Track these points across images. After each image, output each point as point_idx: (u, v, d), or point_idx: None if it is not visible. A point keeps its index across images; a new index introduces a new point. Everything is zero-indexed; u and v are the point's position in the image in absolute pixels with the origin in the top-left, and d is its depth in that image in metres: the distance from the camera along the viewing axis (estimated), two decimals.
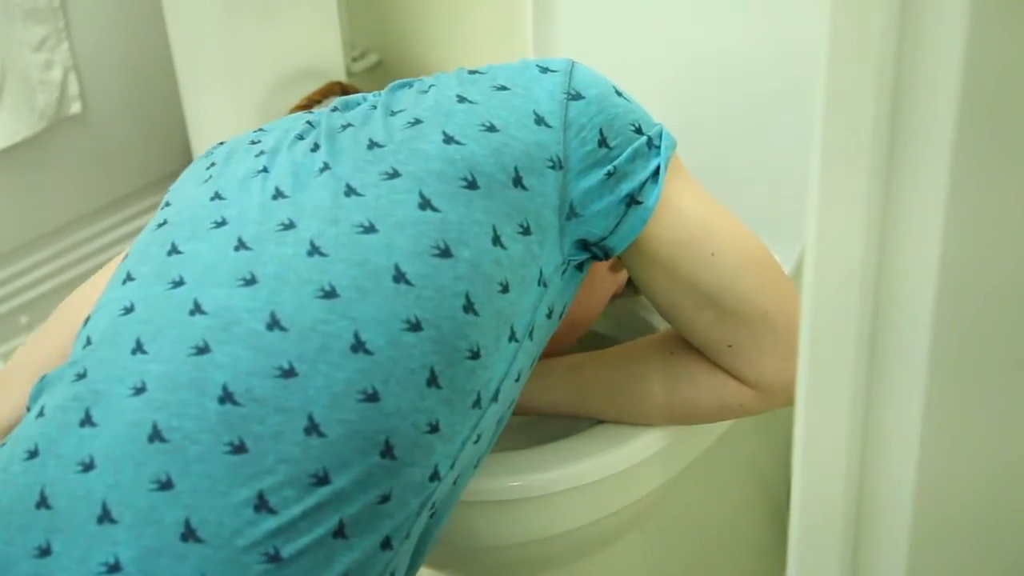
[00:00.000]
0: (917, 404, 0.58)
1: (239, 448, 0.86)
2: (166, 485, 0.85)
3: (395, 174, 0.97)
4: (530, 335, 1.00)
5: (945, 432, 0.59)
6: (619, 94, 1.04)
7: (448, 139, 0.99)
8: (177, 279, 0.95)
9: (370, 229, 0.94)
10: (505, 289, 0.96)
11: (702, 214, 1.04)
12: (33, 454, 0.89)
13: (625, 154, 1.01)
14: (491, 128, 0.99)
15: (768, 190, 1.34)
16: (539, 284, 0.99)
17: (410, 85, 1.07)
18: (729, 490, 1.41)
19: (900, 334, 0.57)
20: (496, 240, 0.96)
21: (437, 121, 1.00)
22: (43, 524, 0.86)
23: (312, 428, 0.88)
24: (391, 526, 0.90)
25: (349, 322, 0.91)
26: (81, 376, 0.92)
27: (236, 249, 0.95)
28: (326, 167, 0.99)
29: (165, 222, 1.02)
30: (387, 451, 0.89)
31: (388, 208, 0.95)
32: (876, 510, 0.61)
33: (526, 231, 0.98)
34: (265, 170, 1.01)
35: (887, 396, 0.59)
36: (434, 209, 0.95)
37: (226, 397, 0.88)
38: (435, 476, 0.93)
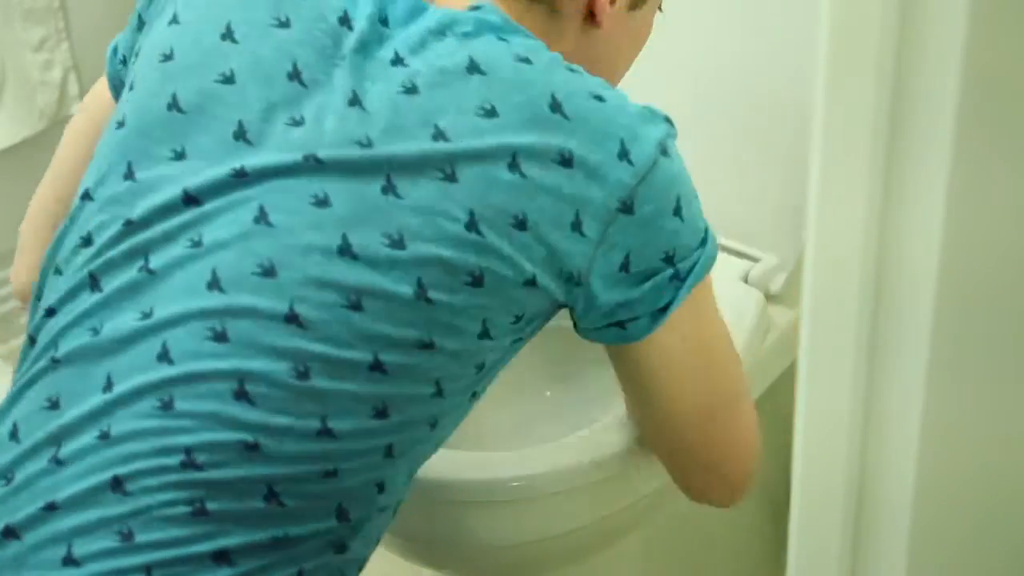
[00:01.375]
0: (918, 395, 0.58)
1: (200, 512, 0.86)
2: (127, 536, 0.86)
3: (400, 242, 0.88)
4: (479, 369, 0.95)
5: (946, 423, 0.59)
6: (677, 212, 0.91)
7: (471, 224, 0.88)
8: (147, 311, 0.90)
9: (357, 307, 0.88)
10: (480, 368, 0.93)
11: (692, 347, 0.97)
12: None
13: (643, 287, 0.92)
14: (521, 224, 0.88)
15: (767, 189, 1.34)
16: (513, 342, 0.95)
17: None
18: None
19: (901, 324, 0.57)
20: (484, 334, 0.91)
21: (469, 191, 0.88)
22: None
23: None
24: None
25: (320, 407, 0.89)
26: (53, 404, 0.91)
27: (209, 288, 0.89)
28: (325, 200, 0.89)
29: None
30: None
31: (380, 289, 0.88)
32: (877, 501, 0.61)
33: (517, 319, 0.92)
34: (244, 175, 0.91)
35: (888, 389, 0.59)
36: (428, 301, 0.88)
37: (189, 463, 0.86)
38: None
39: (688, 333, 0.96)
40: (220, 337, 0.87)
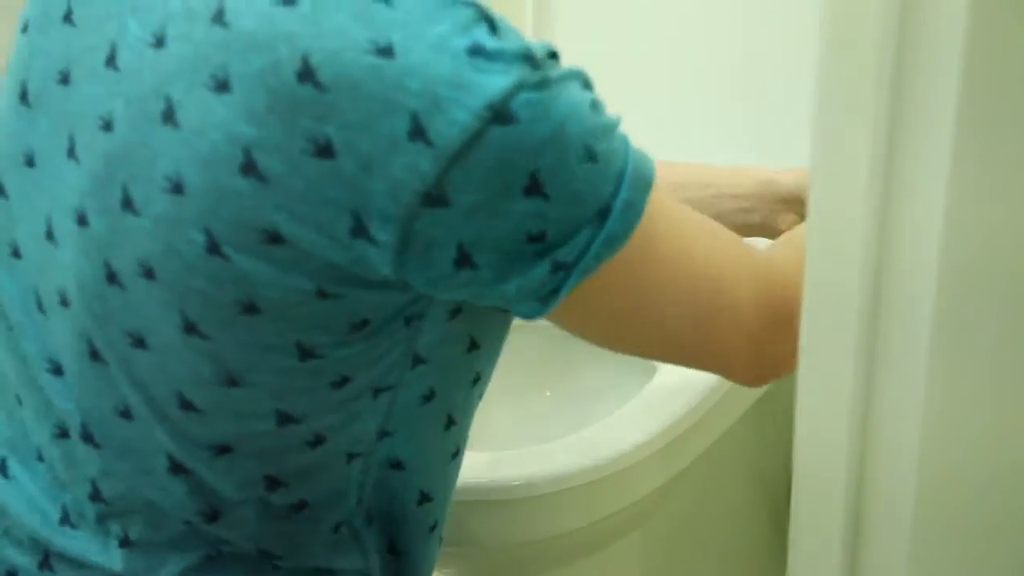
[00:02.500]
0: (919, 387, 0.57)
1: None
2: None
3: (150, 274, 0.72)
4: (417, 362, 0.78)
5: (947, 417, 0.59)
6: (534, 189, 0.67)
7: (212, 247, 0.70)
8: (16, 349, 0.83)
9: (140, 344, 0.75)
10: (343, 382, 0.76)
11: (617, 308, 0.76)
12: None
13: (505, 282, 0.71)
14: (274, 238, 0.68)
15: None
16: (405, 324, 0.76)
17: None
18: (729, 491, 1.41)
19: (902, 312, 0.57)
20: (305, 354, 0.73)
21: (199, 205, 0.69)
22: None
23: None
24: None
25: (156, 444, 0.79)
26: None
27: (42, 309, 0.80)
28: (83, 219, 0.74)
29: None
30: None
31: (151, 321, 0.74)
32: (878, 491, 0.61)
33: (359, 326, 0.73)
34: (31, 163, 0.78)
35: (889, 375, 0.58)
36: (201, 336, 0.73)
37: (94, 495, 0.81)
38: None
39: (603, 306, 0.75)
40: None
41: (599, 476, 1.12)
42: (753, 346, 0.80)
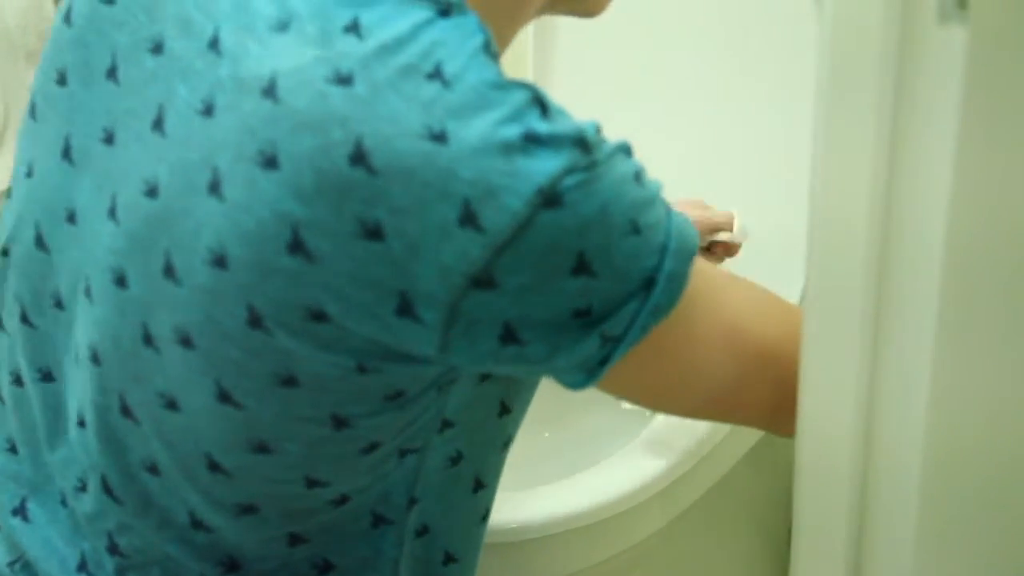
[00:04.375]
0: (924, 372, 0.57)
1: None
2: None
3: (188, 342, 0.72)
4: (446, 426, 0.79)
5: (954, 382, 0.59)
6: (582, 269, 0.67)
7: (254, 321, 0.69)
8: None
9: (172, 406, 0.75)
10: (372, 447, 0.76)
11: (658, 379, 0.77)
12: None
13: (554, 356, 0.71)
14: (319, 316, 0.68)
15: (769, 224, 1.34)
16: (437, 391, 0.76)
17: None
18: (728, 534, 1.40)
19: (906, 290, 0.57)
20: (339, 424, 0.73)
21: (242, 280, 0.69)
22: None
23: None
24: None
25: (180, 501, 0.79)
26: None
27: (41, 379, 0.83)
28: (122, 280, 0.74)
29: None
30: None
31: (185, 386, 0.74)
32: (883, 468, 0.61)
33: (393, 397, 0.73)
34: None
35: (893, 363, 0.58)
36: (235, 405, 0.72)
37: (112, 549, 0.82)
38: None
39: (646, 373, 0.75)
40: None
41: (598, 519, 1.11)
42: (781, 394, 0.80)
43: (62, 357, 0.82)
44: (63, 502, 0.84)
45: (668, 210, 0.72)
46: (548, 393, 1.40)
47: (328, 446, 0.74)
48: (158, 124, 0.73)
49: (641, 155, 1.28)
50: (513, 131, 0.65)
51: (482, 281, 0.66)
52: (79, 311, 0.79)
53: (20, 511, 0.85)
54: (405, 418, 0.75)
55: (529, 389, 0.84)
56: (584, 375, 0.72)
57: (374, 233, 0.66)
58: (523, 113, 0.66)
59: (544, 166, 0.65)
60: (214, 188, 0.69)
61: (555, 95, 1.44)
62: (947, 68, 0.52)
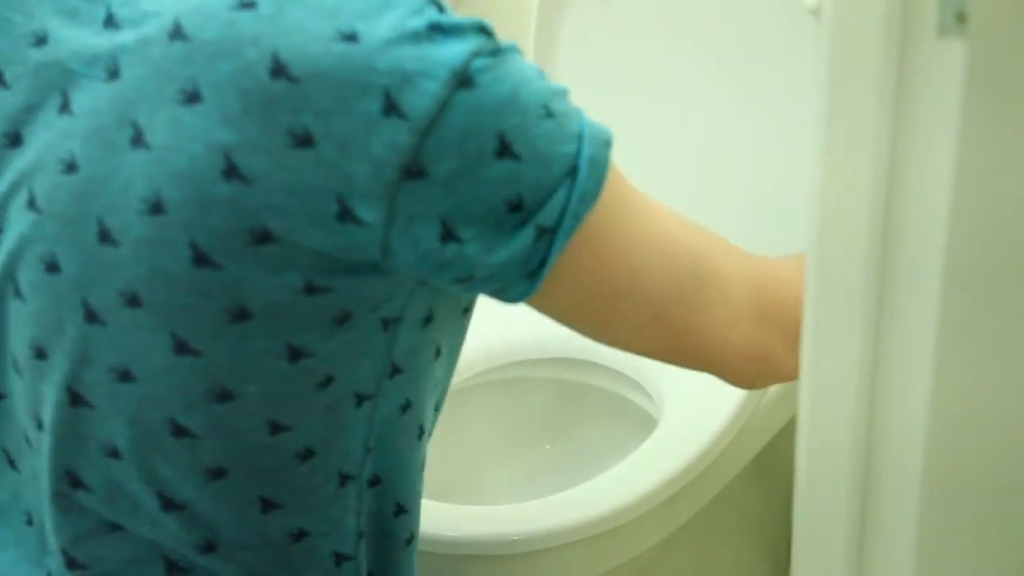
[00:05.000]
0: (928, 356, 0.57)
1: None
2: None
3: (135, 301, 0.73)
4: (395, 372, 0.80)
5: (956, 385, 0.59)
6: (505, 151, 0.70)
7: (200, 259, 0.71)
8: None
9: (125, 377, 0.75)
10: (327, 382, 0.77)
11: (599, 288, 0.78)
12: None
13: (493, 254, 0.73)
14: (263, 237, 0.70)
15: (768, 246, 1.34)
16: (383, 326, 0.77)
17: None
18: (729, 545, 1.40)
19: (906, 298, 0.57)
20: (295, 354, 0.75)
21: (183, 219, 0.70)
22: None
23: None
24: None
25: (146, 481, 0.79)
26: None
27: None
28: (52, 266, 0.75)
29: None
30: None
31: (139, 350, 0.74)
32: (884, 467, 0.61)
33: (343, 319, 0.74)
34: None
35: (896, 350, 0.58)
36: (193, 353, 0.73)
37: (70, 563, 0.82)
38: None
39: (580, 285, 0.76)
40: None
41: (599, 531, 1.11)
42: (747, 339, 0.82)
43: (4, 372, 0.82)
44: (28, 521, 0.84)
45: (576, 106, 0.75)
46: (550, 406, 1.40)
47: (286, 383, 0.75)
48: (64, 107, 0.74)
49: (643, 163, 1.28)
50: (419, 22, 0.69)
51: (413, 171, 0.69)
52: (11, 316, 0.79)
53: None
54: (355, 349, 0.76)
55: (462, 331, 0.85)
56: (526, 281, 0.74)
57: (304, 140, 0.68)
58: (423, 9, 0.70)
59: (453, 50, 0.69)
60: (137, 140, 0.71)
61: None
62: (946, 82, 0.52)
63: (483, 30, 0.71)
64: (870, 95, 0.54)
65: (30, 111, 0.76)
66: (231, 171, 0.69)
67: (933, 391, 0.57)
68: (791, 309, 0.84)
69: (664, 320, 0.80)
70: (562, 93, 0.74)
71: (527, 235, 0.72)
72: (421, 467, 0.88)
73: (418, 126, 0.68)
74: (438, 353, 0.83)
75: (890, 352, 0.58)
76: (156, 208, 0.70)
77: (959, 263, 0.55)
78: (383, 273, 0.73)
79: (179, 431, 0.76)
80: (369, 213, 0.69)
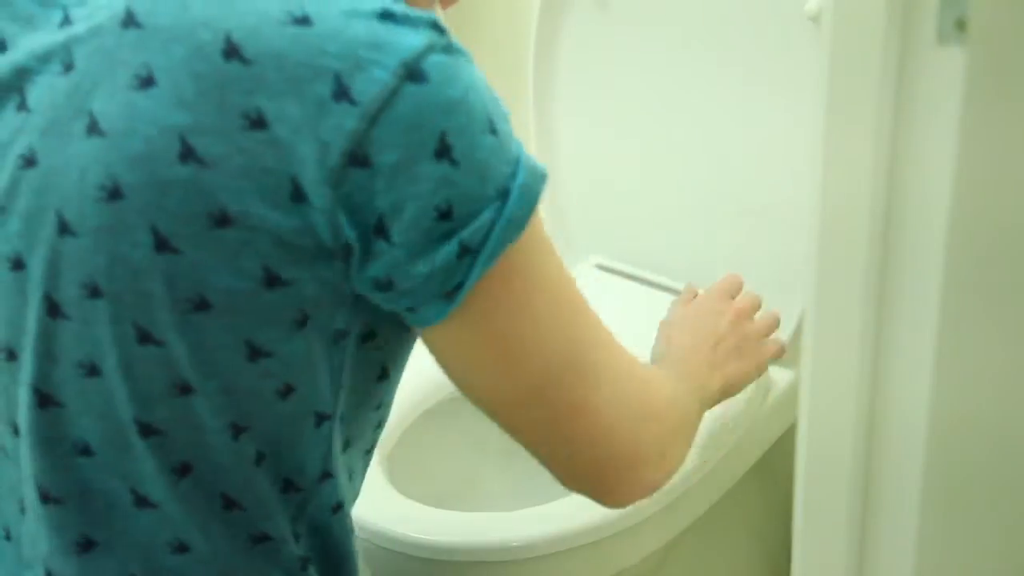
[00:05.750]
0: (929, 343, 0.57)
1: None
2: None
3: (96, 292, 0.73)
4: (339, 388, 0.80)
5: (958, 376, 0.59)
6: (443, 152, 0.70)
7: (161, 244, 0.71)
8: None
9: (93, 372, 0.75)
10: (288, 391, 0.77)
11: (498, 334, 0.77)
12: None
13: (417, 264, 0.72)
14: (222, 220, 0.70)
15: (767, 252, 1.34)
16: (334, 343, 0.77)
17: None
18: (730, 551, 1.40)
19: (906, 301, 0.57)
20: (254, 353, 0.74)
21: (141, 204, 0.71)
22: None
23: None
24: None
25: (119, 479, 0.78)
26: None
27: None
28: (18, 263, 0.75)
29: None
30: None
31: (103, 343, 0.74)
32: (886, 467, 0.61)
33: (301, 322, 0.75)
34: None
35: (898, 339, 0.58)
36: (156, 343, 0.73)
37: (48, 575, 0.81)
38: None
39: (486, 323, 0.75)
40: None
41: (600, 537, 1.11)
42: (630, 436, 0.82)
43: None
44: (6, 536, 0.84)
45: (516, 137, 0.74)
46: None
47: (245, 382, 0.75)
48: (22, 105, 0.75)
49: (643, 166, 1.28)
50: (371, 7, 0.70)
51: (359, 157, 0.69)
52: None
53: None
54: (312, 360, 0.76)
55: (406, 356, 0.84)
56: (441, 301, 0.73)
57: (257, 122, 0.69)
58: None
59: (406, 40, 0.69)
60: (92, 129, 0.71)
61: (556, 97, 1.44)
62: (946, 89, 0.52)
63: (435, 25, 0.70)
64: (870, 102, 0.54)
65: None
66: (187, 153, 0.69)
67: (933, 395, 0.57)
68: (667, 419, 0.85)
69: (552, 391, 0.79)
70: (507, 117, 0.74)
71: (450, 250, 0.71)
72: (350, 477, 0.87)
73: (366, 112, 0.68)
74: (384, 375, 0.83)
75: (890, 359, 0.58)
76: (114, 194, 0.71)
77: (959, 268, 0.55)
78: (337, 261, 0.72)
79: (145, 429, 0.76)
80: (318, 196, 0.69)
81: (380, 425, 0.89)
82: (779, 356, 1.08)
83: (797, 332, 1.29)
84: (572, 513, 1.11)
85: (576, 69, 1.42)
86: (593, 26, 1.39)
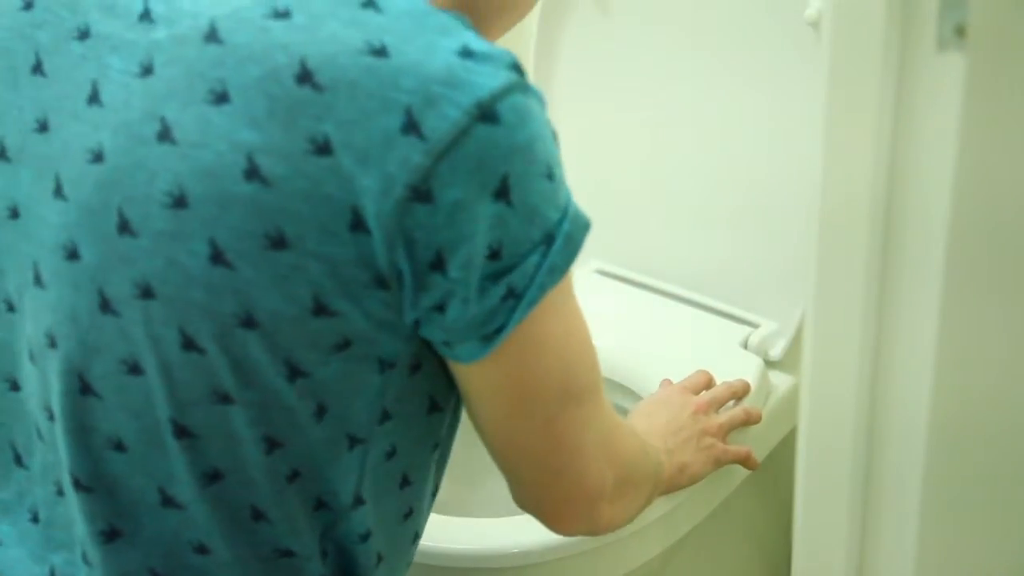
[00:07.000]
0: (930, 332, 0.57)
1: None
2: None
3: (148, 293, 0.74)
4: (386, 418, 0.80)
5: (959, 362, 0.59)
6: (502, 194, 0.71)
7: (216, 257, 0.72)
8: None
9: (135, 370, 0.76)
10: (321, 412, 0.77)
11: (519, 380, 0.79)
12: None
13: (469, 300, 0.74)
14: (278, 242, 0.71)
15: (768, 255, 1.34)
16: (378, 367, 0.78)
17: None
18: (729, 558, 1.40)
19: (907, 302, 0.57)
20: (293, 373, 0.75)
21: (203, 215, 0.72)
22: None
23: None
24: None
25: (148, 476, 0.79)
26: None
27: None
28: (73, 253, 0.76)
29: None
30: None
31: (147, 343, 0.75)
32: (886, 466, 0.61)
33: (342, 346, 0.75)
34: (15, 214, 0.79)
35: (898, 328, 0.58)
36: (199, 351, 0.74)
37: (84, 557, 0.82)
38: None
39: (517, 364, 0.78)
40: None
41: (598, 544, 1.11)
42: (601, 469, 0.85)
43: (20, 362, 0.82)
44: (34, 518, 0.84)
45: (566, 182, 0.77)
46: None
47: (282, 400, 0.76)
48: (94, 98, 0.76)
49: (643, 168, 1.28)
50: (451, 44, 0.70)
51: (422, 193, 0.69)
52: (27, 304, 0.80)
53: None
54: (350, 384, 0.77)
55: (457, 393, 0.85)
56: (479, 343, 0.75)
57: (323, 148, 0.69)
58: (458, 30, 0.71)
59: (483, 80, 0.70)
60: (164, 135, 0.72)
61: (556, 99, 1.44)
62: (946, 94, 0.52)
63: (515, 66, 0.71)
64: (871, 107, 0.54)
65: (60, 100, 0.77)
66: (252, 172, 0.70)
67: (933, 395, 0.57)
68: (636, 466, 0.90)
69: (558, 426, 0.81)
70: (561, 163, 0.76)
71: (498, 291, 0.73)
72: (403, 517, 0.88)
73: (434, 148, 0.69)
74: (434, 407, 0.84)
75: (890, 360, 0.58)
76: (179, 202, 0.72)
77: (958, 270, 0.55)
78: (389, 292, 0.73)
79: (180, 431, 0.77)
80: (378, 227, 0.70)
81: (441, 467, 0.90)
82: (741, 461, 1.15)
83: (797, 333, 1.29)
84: None
85: (576, 72, 1.42)
86: (593, 29, 1.39)
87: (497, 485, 1.37)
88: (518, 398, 0.80)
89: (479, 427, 0.84)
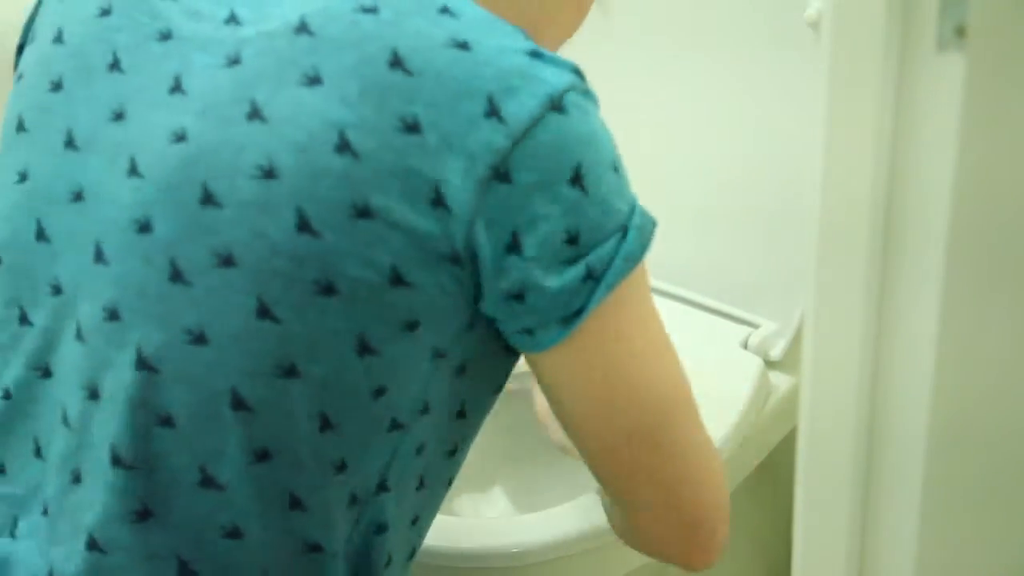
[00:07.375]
0: (930, 333, 0.57)
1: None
2: None
3: (229, 261, 0.77)
4: (425, 411, 0.83)
5: (959, 363, 0.59)
6: (576, 181, 0.76)
7: (303, 225, 0.75)
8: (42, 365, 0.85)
9: (199, 340, 0.78)
10: (380, 392, 0.79)
11: (602, 368, 0.81)
12: None
13: (547, 281, 0.77)
14: (363, 212, 0.75)
15: (768, 255, 1.34)
16: (432, 360, 0.80)
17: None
18: (729, 558, 1.40)
19: (907, 302, 0.57)
20: (362, 348, 0.77)
21: (293, 186, 0.75)
22: None
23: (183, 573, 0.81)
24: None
25: (191, 455, 0.80)
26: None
27: (77, 337, 0.81)
28: (146, 227, 0.79)
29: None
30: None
31: (219, 312, 0.77)
32: (887, 466, 0.61)
33: (411, 326, 0.78)
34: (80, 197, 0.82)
35: (898, 329, 0.58)
36: (274, 320, 0.77)
37: (91, 544, 0.81)
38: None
39: (598, 352, 0.80)
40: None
41: (600, 543, 1.11)
42: (718, 489, 0.86)
43: (58, 345, 0.83)
44: (44, 511, 0.84)
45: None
46: None
47: (347, 375, 0.78)
48: (176, 88, 0.80)
49: (643, 168, 1.27)
50: (521, 47, 0.77)
51: (501, 172, 0.75)
52: (85, 284, 0.81)
53: (11, 531, 0.85)
54: (410, 363, 0.79)
55: (488, 400, 0.88)
56: (559, 325, 0.78)
57: (412, 127, 0.74)
58: (524, 36, 0.78)
59: (552, 77, 0.76)
60: (253, 115, 0.76)
61: None
62: (946, 95, 0.52)
63: (577, 71, 0.78)
64: (870, 108, 0.54)
65: (139, 92, 0.81)
66: (344, 146, 0.75)
67: (934, 396, 0.57)
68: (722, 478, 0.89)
69: (660, 433, 0.83)
70: (623, 163, 0.80)
71: (577, 271, 0.77)
72: (411, 521, 0.88)
73: (513, 132, 0.75)
74: (461, 414, 0.86)
75: (890, 361, 0.58)
76: (269, 174, 0.75)
77: (959, 271, 0.55)
78: (464, 270, 0.77)
79: (238, 403, 0.78)
80: (458, 204, 0.75)
81: (447, 485, 0.91)
82: None
83: (797, 333, 1.29)
84: (571, 519, 1.11)
85: (577, 54, 1.42)
86: (593, 29, 1.39)
87: (499, 483, 1.37)
88: (608, 394, 0.81)
89: (588, 451, 0.84)
